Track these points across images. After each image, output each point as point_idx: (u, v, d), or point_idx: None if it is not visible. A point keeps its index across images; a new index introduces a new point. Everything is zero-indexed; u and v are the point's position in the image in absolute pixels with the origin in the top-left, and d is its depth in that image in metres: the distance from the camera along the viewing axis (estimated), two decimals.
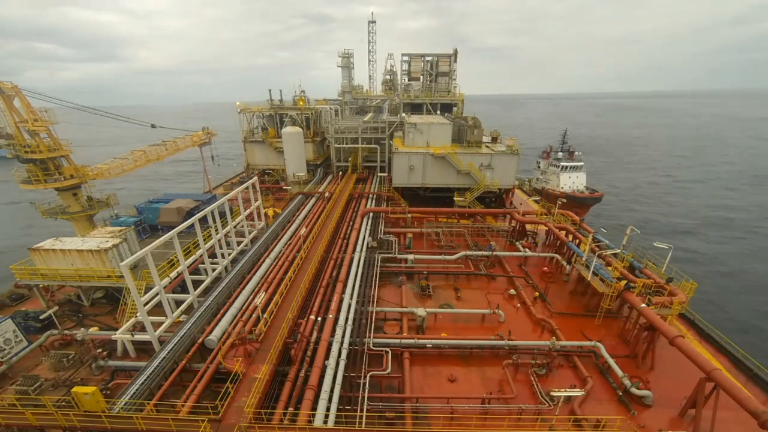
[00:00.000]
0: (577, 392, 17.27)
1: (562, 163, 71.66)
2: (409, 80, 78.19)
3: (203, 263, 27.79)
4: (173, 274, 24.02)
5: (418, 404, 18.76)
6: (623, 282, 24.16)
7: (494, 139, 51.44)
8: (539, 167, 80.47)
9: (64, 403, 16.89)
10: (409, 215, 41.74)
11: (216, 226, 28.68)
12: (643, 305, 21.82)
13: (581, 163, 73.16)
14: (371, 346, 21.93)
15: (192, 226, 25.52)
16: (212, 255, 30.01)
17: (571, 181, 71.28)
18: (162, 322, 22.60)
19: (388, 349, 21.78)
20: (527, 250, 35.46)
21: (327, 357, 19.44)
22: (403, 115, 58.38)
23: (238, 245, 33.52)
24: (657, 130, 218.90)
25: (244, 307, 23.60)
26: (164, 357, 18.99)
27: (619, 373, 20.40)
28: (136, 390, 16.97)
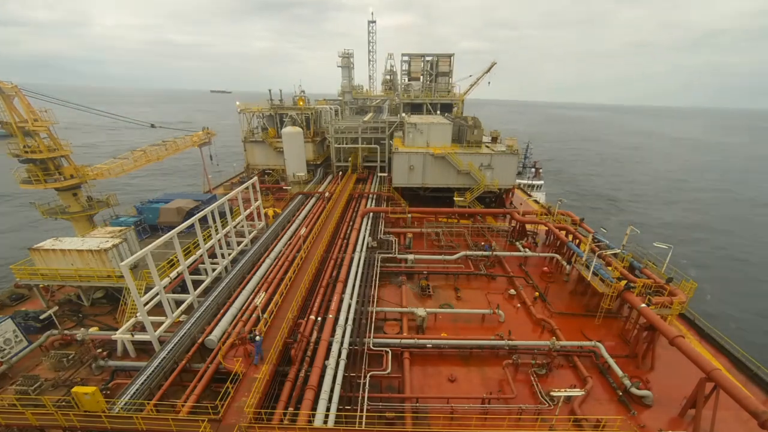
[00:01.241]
0: (577, 392, 17.27)
1: (518, 181, 68.33)
2: (409, 80, 78.20)
3: (203, 263, 27.77)
4: (173, 274, 24.00)
5: (418, 404, 18.76)
6: (623, 282, 24.17)
7: (494, 139, 51.48)
8: None
9: (64, 403, 16.88)
10: (409, 215, 41.73)
11: (216, 226, 28.67)
12: (643, 305, 21.82)
13: (541, 182, 69.91)
14: (371, 346, 21.92)
15: (192, 226, 25.51)
16: (212, 255, 29.99)
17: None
18: (162, 322, 22.58)
19: (388, 349, 21.78)
20: (527, 250, 35.47)
21: (327, 357, 19.45)
22: (403, 115, 58.37)
23: (238, 245, 33.50)
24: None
25: (244, 307, 23.60)
26: (164, 357, 18.97)
27: (619, 373, 20.40)
28: (136, 390, 16.95)
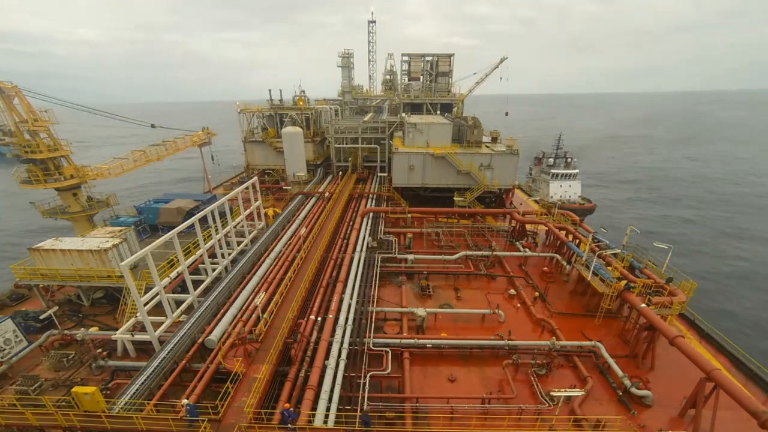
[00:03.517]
0: (577, 392, 17.27)
1: (553, 171, 68.64)
2: (409, 80, 78.23)
3: (203, 263, 27.77)
4: (173, 274, 24.01)
5: (418, 404, 18.76)
6: (623, 282, 24.15)
7: (494, 139, 51.47)
8: (531, 174, 77.81)
9: (64, 403, 16.87)
10: (409, 215, 41.73)
11: (216, 226, 28.67)
12: (643, 305, 21.80)
13: (575, 171, 70.07)
14: (371, 346, 21.91)
15: (192, 226, 25.51)
16: (212, 255, 29.99)
17: (563, 190, 68.13)
18: (162, 322, 22.58)
19: (388, 349, 21.77)
20: (527, 250, 35.45)
21: (327, 357, 19.44)
22: (403, 115, 58.37)
23: (238, 245, 33.50)
24: None
25: (244, 307, 23.60)
26: (164, 357, 18.99)
27: (619, 373, 20.39)
28: (136, 390, 16.98)
